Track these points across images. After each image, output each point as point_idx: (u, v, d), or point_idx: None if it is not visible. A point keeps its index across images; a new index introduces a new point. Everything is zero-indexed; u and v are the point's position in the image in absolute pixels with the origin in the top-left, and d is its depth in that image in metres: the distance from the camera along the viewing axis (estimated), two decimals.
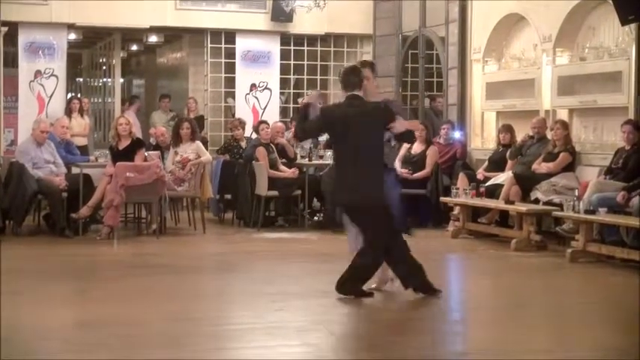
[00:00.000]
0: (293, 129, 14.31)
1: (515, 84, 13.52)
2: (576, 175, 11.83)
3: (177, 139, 12.83)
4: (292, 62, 17.37)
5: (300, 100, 17.08)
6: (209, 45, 16.94)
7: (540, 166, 11.94)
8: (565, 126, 12.05)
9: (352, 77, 8.11)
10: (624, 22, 11.08)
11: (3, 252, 9.78)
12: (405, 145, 13.79)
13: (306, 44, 17.35)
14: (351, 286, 7.96)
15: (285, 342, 6.63)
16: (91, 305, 7.83)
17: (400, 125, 8.11)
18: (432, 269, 9.20)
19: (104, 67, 18.64)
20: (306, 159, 13.59)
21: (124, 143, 12.20)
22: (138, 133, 14.59)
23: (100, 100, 18.78)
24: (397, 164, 13.60)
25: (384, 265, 8.19)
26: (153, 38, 19.11)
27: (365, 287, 8.06)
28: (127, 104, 17.73)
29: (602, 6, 12.05)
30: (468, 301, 8.74)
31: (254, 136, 14.35)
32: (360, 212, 8.04)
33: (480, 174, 13.12)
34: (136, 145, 12.34)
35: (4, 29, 15.26)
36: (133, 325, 6.98)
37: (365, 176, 7.93)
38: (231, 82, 17.10)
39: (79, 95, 18.51)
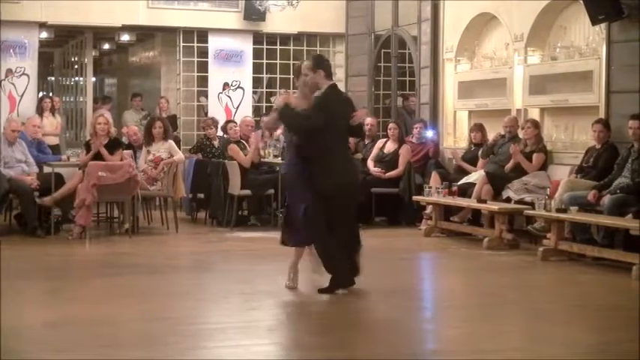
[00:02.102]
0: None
1: (487, 83, 13.58)
2: (548, 174, 11.90)
3: (149, 139, 12.79)
4: (265, 61, 17.36)
5: (272, 99, 17.10)
6: (181, 44, 16.90)
7: (517, 156, 11.92)
8: (536, 125, 12.12)
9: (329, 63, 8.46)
10: (595, 21, 11.17)
11: None
12: (378, 145, 13.85)
13: (278, 43, 17.33)
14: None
15: (259, 341, 6.64)
16: (64, 305, 7.80)
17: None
18: (405, 267, 9.28)
19: (76, 66, 18.53)
20: (279, 158, 13.58)
21: (101, 142, 12.19)
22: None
23: (71, 99, 18.67)
24: (370, 163, 13.71)
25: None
26: (125, 37, 19.03)
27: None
28: (99, 103, 17.62)
29: (573, 6, 12.12)
30: (439, 299, 8.78)
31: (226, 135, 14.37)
32: (351, 196, 8.24)
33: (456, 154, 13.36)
34: (114, 145, 12.34)
35: None
36: (107, 324, 6.96)
37: (351, 162, 8.51)
38: (203, 81, 17.08)
39: (50, 94, 18.37)
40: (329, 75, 8.26)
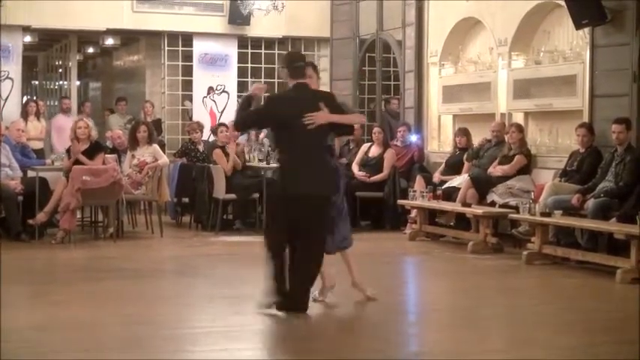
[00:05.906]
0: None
1: (472, 87, 13.60)
2: (532, 177, 11.93)
3: (134, 143, 12.78)
4: (250, 65, 17.34)
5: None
6: (166, 48, 16.87)
7: (495, 169, 12.05)
8: (520, 129, 12.15)
9: (299, 63, 7.76)
10: (578, 26, 11.22)
11: None
12: (363, 149, 13.87)
13: (263, 47, 17.33)
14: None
15: (243, 345, 6.65)
16: (49, 308, 7.77)
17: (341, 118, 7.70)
18: (389, 271, 9.29)
19: (60, 70, 18.48)
20: (264, 162, 13.57)
21: (82, 146, 12.16)
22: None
23: (55, 103, 18.62)
24: (355, 167, 13.72)
25: (327, 273, 7.90)
26: (109, 41, 19.00)
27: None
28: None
29: (557, 10, 12.17)
30: (423, 302, 8.80)
31: (212, 138, 14.33)
32: (313, 204, 7.55)
33: (436, 177, 13.18)
34: (95, 149, 12.31)
35: None
36: (92, 328, 6.96)
37: (319, 166, 7.59)
38: (188, 85, 17.05)
39: (34, 98, 18.31)
40: (293, 75, 7.70)
